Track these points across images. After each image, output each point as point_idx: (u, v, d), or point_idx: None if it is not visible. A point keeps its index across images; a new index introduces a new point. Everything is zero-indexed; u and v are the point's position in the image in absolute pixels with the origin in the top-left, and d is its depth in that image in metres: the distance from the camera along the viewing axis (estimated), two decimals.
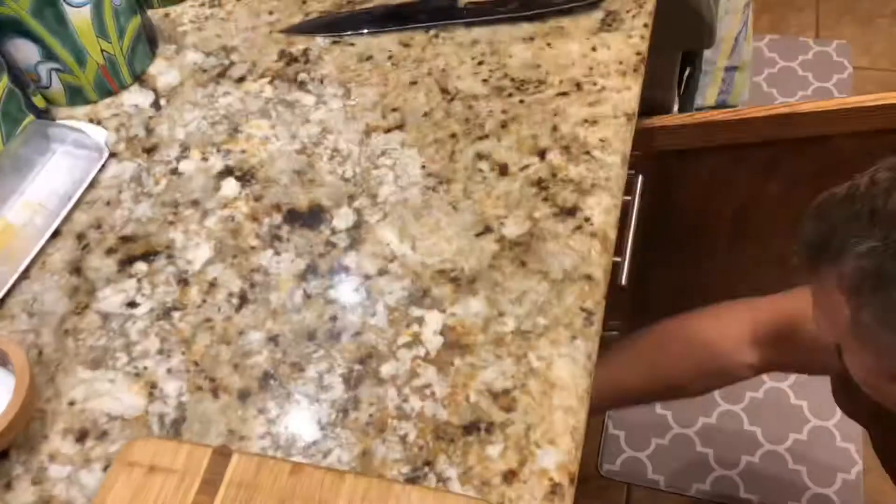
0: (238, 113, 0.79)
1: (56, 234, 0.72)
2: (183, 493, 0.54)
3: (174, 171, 0.75)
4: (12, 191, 0.71)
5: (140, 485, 0.54)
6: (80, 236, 0.71)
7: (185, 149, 0.76)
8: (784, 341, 0.81)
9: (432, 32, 0.83)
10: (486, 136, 0.74)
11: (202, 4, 0.89)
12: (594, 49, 0.79)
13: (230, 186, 0.73)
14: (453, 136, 0.74)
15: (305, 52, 0.83)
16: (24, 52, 0.76)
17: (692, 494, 1.35)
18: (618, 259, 1.02)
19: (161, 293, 0.67)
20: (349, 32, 0.84)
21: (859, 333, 0.54)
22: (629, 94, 0.74)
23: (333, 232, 0.69)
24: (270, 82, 0.81)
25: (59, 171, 0.73)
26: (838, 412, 1.20)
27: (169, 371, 0.62)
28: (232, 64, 0.83)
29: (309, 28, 0.85)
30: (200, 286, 0.67)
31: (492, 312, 0.63)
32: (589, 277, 0.64)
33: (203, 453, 0.55)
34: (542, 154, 0.72)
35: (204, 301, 0.66)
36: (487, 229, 0.67)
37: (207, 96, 0.80)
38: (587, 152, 0.70)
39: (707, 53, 1.29)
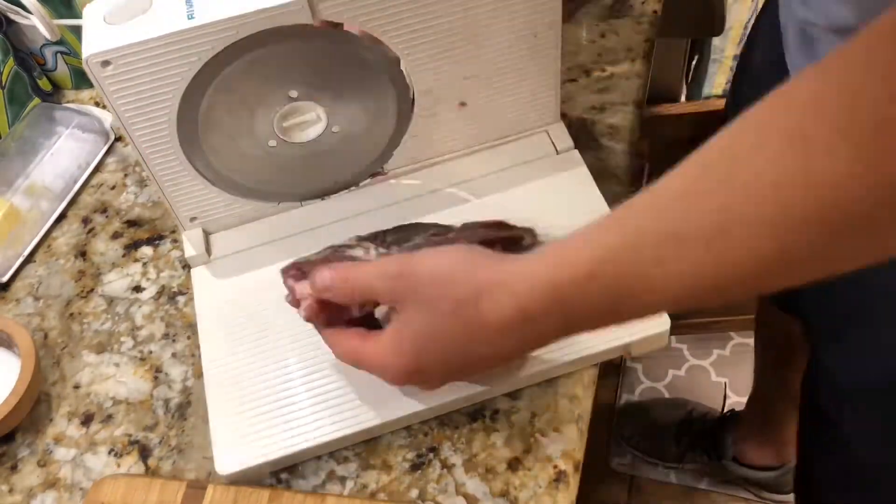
0: None
1: (61, 217, 0.72)
2: None
3: None
4: (18, 174, 0.71)
5: None
6: (86, 220, 0.71)
7: None
8: None
9: None
10: None
11: None
12: (603, 35, 0.78)
13: None
14: None
15: None
16: (31, 34, 0.76)
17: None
18: None
19: (166, 277, 0.66)
20: None
21: None
22: (638, 82, 0.74)
23: None
24: None
25: (64, 154, 0.73)
26: None
27: (174, 355, 0.62)
28: None
29: None
30: None
31: None
32: None
33: (177, 487, 0.53)
34: None
35: None
36: None
37: None
38: (595, 139, 0.70)
39: (716, 41, 1.28)
